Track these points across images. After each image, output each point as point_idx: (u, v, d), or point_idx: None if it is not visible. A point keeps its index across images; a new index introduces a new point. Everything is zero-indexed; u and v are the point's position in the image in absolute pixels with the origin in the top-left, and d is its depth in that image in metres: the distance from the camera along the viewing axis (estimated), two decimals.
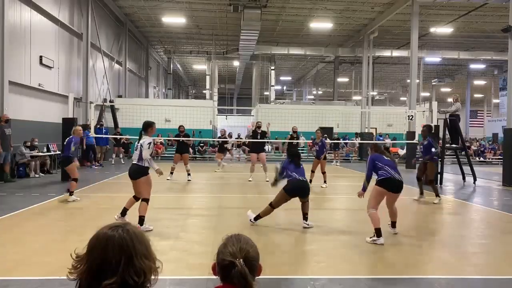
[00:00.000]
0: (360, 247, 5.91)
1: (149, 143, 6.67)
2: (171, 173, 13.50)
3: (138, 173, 6.61)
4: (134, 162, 6.71)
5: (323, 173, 12.68)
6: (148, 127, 6.94)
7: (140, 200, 6.68)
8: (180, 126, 14.09)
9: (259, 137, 13.69)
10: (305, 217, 7.00)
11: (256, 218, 6.97)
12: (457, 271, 5.07)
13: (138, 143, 6.76)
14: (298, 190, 6.83)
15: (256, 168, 13.95)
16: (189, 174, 13.45)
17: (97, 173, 15.11)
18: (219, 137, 16.95)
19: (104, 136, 18.16)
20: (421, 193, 10.14)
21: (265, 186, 11.91)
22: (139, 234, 1.38)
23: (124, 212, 6.86)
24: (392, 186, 6.20)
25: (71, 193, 9.19)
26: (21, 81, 13.96)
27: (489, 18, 23.43)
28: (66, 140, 9.64)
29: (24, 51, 14.21)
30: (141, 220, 6.56)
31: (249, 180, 13.38)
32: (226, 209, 9.05)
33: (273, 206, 6.87)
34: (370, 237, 6.08)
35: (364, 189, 6.45)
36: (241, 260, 1.48)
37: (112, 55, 23.96)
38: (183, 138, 13.82)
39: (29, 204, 8.54)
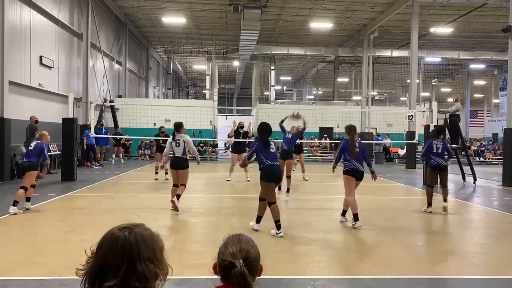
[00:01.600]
0: (360, 246, 5.92)
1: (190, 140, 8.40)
2: (157, 172, 13.67)
3: (186, 164, 8.28)
4: (179, 155, 8.25)
5: (288, 177, 10.27)
6: (180, 127, 8.45)
7: (180, 185, 8.22)
8: (161, 127, 14.42)
9: (241, 137, 13.49)
10: (277, 225, 6.37)
11: (258, 221, 6.61)
12: (457, 271, 5.07)
13: (174, 140, 8.24)
14: (273, 176, 6.52)
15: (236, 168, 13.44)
16: (167, 173, 13.16)
17: (97, 173, 15.11)
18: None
19: (104, 136, 18.15)
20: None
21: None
22: (148, 237, 1.35)
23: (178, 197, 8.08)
24: (356, 175, 7.17)
25: (15, 203, 7.73)
26: (21, 81, 13.96)
27: (489, 18, 23.42)
28: (35, 145, 8.17)
29: (24, 51, 14.21)
30: (179, 196, 8.06)
31: (228, 180, 13.12)
32: (226, 209, 9.05)
33: (262, 199, 6.56)
34: (352, 224, 7.02)
35: (335, 165, 7.76)
36: (241, 261, 1.48)
37: (112, 55, 23.95)
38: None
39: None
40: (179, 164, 8.24)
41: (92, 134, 14.80)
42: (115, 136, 19.86)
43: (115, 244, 1.30)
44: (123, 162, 20.19)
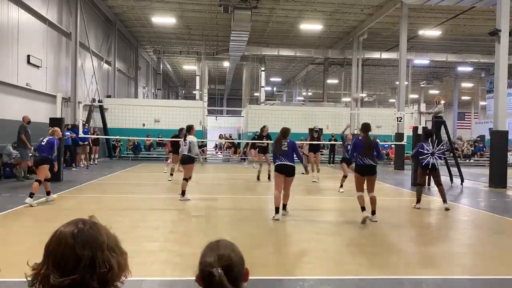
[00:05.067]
0: (349, 247, 5.94)
1: (197, 141, 9.62)
2: (172, 174, 13.90)
3: (189, 161, 9.57)
4: (185, 153, 9.52)
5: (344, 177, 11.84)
6: (191, 129, 9.75)
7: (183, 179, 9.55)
8: (181, 128, 13.33)
9: (264, 139, 14.25)
10: (283, 207, 8.04)
11: (284, 208, 8.02)
12: (445, 271, 5.11)
13: (185, 140, 9.59)
14: (281, 170, 7.81)
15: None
16: (171, 174, 13.95)
17: (85, 174, 14.96)
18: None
19: (86, 136, 17.60)
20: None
21: (262, 186, 11.90)
22: (104, 228, 1.29)
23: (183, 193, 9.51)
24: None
25: (31, 195, 8.48)
26: (8, 80, 13.78)
27: (476, 22, 23.72)
28: (47, 141, 9.01)
29: (11, 50, 14.03)
30: (183, 192, 9.48)
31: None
32: (218, 210, 9.03)
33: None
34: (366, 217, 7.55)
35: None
36: (219, 269, 1.39)
37: (101, 55, 23.76)
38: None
39: (16, 204, 8.42)
40: (185, 160, 9.63)
41: (81, 134, 14.60)
42: (98, 136, 19.58)
43: (70, 239, 1.22)
44: (91, 163, 19.48)
